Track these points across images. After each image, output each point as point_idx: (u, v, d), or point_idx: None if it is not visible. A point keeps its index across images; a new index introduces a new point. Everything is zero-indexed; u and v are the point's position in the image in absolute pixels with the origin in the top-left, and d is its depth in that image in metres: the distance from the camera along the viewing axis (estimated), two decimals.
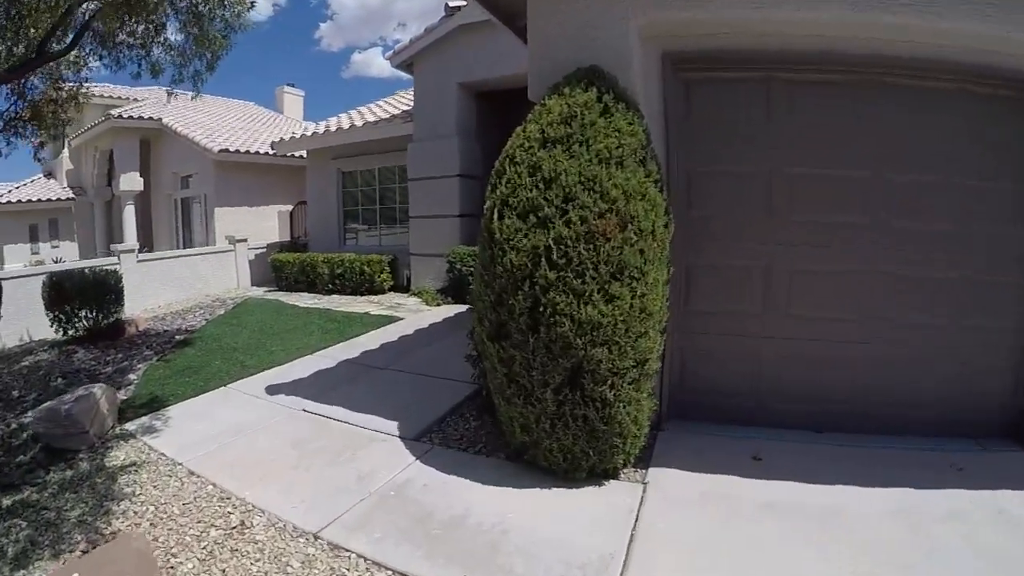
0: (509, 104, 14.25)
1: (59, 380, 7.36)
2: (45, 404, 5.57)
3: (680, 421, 4.98)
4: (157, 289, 12.65)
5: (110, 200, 20.57)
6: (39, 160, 8.61)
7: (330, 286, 12.75)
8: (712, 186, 4.80)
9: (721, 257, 4.82)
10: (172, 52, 6.70)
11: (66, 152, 22.27)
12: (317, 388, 6.42)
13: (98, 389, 5.73)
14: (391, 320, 9.74)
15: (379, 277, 12.12)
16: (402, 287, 12.54)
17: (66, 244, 22.20)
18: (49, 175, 23.91)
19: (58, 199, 22.08)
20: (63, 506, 4.35)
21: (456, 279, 10.85)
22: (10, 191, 21.64)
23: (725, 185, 4.79)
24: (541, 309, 3.55)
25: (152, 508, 4.21)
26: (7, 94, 8.78)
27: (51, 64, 7.73)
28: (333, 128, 13.79)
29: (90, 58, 7.21)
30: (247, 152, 16.82)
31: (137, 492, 4.47)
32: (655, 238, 3.63)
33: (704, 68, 4.75)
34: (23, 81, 8.57)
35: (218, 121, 19.89)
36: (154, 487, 4.54)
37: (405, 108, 13.44)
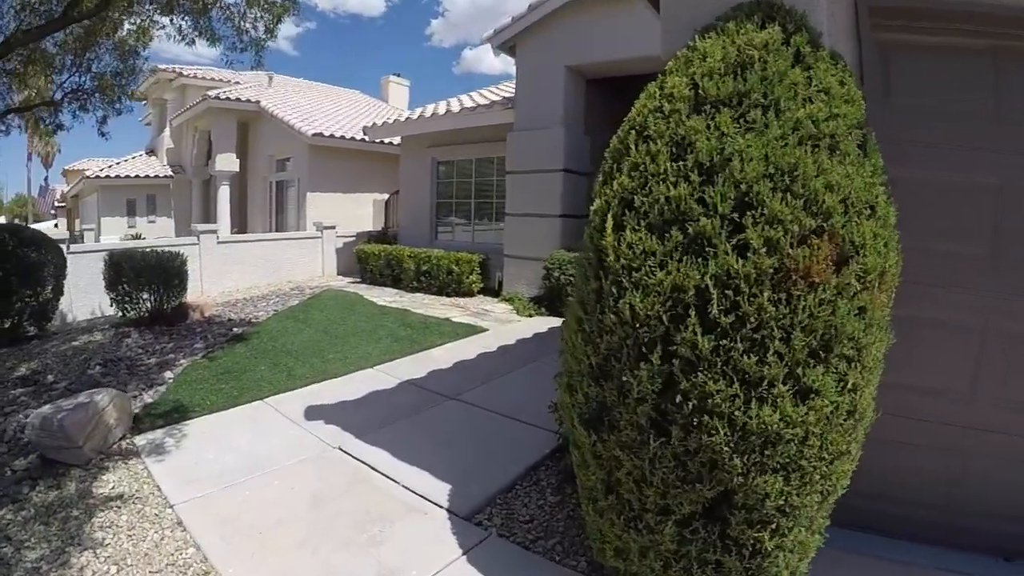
0: (625, 94, 12.78)
1: (97, 368, 6.60)
2: (42, 409, 4.65)
3: (837, 530, 3.31)
4: (238, 272, 12.08)
5: (208, 180, 20.65)
6: (103, 135, 8.04)
7: (415, 284, 11.68)
8: (910, 201, 2.93)
9: (917, 308, 3.03)
10: (229, 14, 5.70)
11: (167, 131, 22.78)
12: (364, 419, 5.21)
13: (105, 396, 4.76)
14: (473, 331, 8.48)
15: (468, 279, 10.93)
16: (492, 291, 11.29)
17: (162, 220, 22.68)
18: (151, 152, 24.53)
19: (157, 176, 22.47)
20: (27, 539, 3.55)
21: (553, 288, 9.47)
22: (110, 166, 22.16)
23: (928, 200, 3.03)
24: (678, 399, 2.07)
25: (114, 569, 3.21)
26: (70, 66, 8.29)
27: (117, 37, 7.17)
28: (428, 114, 12.73)
29: (149, 25, 6.39)
30: (342, 137, 16.11)
31: (108, 541, 3.49)
32: (883, 285, 2.09)
33: (909, 28, 3.03)
34: (86, 55, 8.06)
35: (317, 106, 19.51)
36: (129, 537, 3.53)
37: (507, 95, 12.15)
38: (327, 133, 15.83)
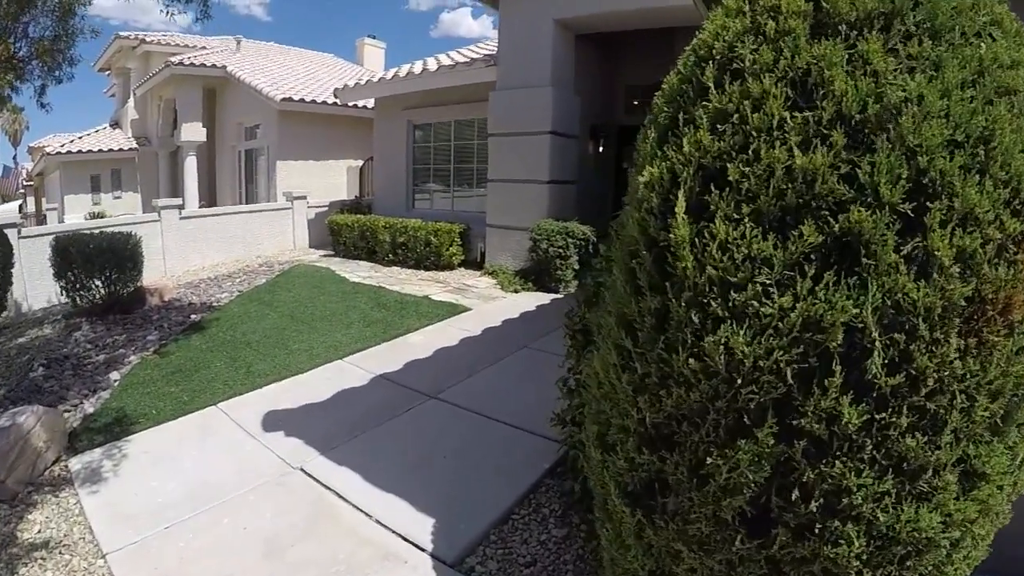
0: (617, 53, 11.97)
1: (40, 369, 5.79)
2: None
3: None
4: (202, 249, 11.16)
5: (175, 151, 19.43)
6: (42, 106, 7.04)
7: (391, 256, 10.84)
8: None
9: None
10: None
11: (132, 102, 21.33)
12: (331, 427, 4.45)
13: (30, 417, 3.97)
14: (455, 310, 7.72)
15: (448, 251, 10.10)
16: (474, 263, 10.47)
17: (129, 195, 21.20)
18: (115, 125, 22.99)
19: (121, 149, 20.90)
20: None
21: (540, 260, 8.72)
22: (72, 140, 20.62)
23: None
24: (794, 495, 1.33)
25: None
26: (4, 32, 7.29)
27: None
28: (403, 74, 11.69)
29: None
30: (312, 102, 15.00)
31: None
32: None
33: None
34: (21, 18, 7.15)
35: (288, 71, 18.21)
36: None
37: (489, 52, 11.20)
38: (297, 97, 14.70)
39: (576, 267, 8.61)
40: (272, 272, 10.20)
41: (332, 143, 16.08)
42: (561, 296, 8.60)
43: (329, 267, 10.56)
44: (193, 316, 7.38)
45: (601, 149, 10.97)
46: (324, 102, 15.12)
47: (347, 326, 7.01)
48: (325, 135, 15.82)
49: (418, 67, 11.52)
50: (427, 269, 10.31)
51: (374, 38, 23.66)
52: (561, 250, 8.41)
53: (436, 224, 10.21)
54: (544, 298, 8.44)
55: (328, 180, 15.94)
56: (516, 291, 8.78)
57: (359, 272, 10.19)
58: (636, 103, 11.60)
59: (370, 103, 13.95)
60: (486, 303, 8.19)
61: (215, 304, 8.06)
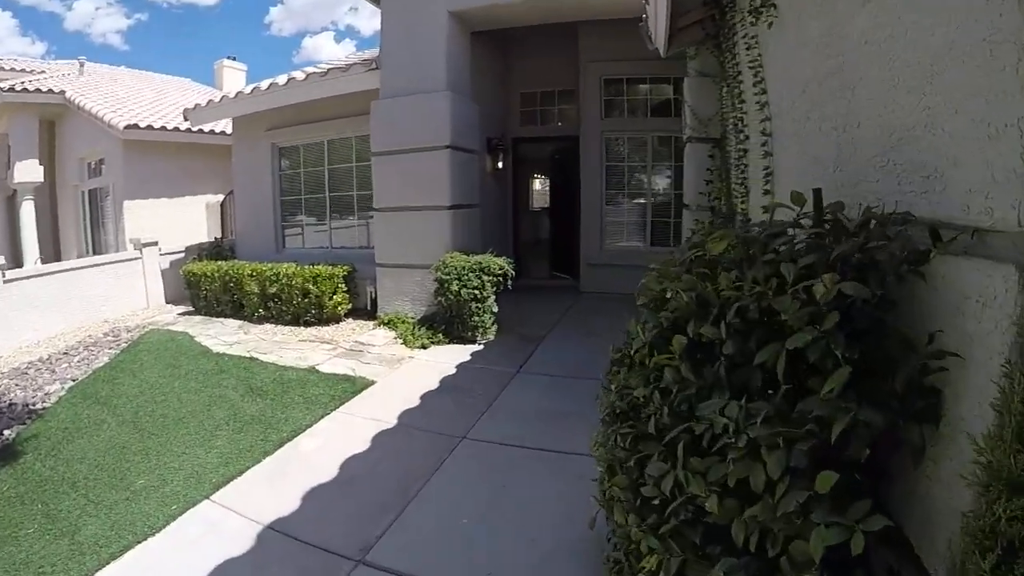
0: (512, 54, 10.29)
1: None
2: None
3: None
4: (35, 319, 8.31)
5: (12, 195, 15.69)
6: None
7: (262, 311, 8.49)
8: None
9: None
10: None
11: None
12: None
13: None
14: (354, 386, 5.64)
15: (331, 300, 7.91)
16: (364, 311, 8.38)
17: None
18: None
19: None
20: None
21: (450, 305, 6.78)
22: None
23: None
24: None
25: None
26: None
27: None
28: (264, 87, 9.56)
29: None
30: (162, 128, 12.29)
31: None
32: None
33: None
34: None
35: (137, 95, 15.31)
36: None
37: (368, 58, 9.22)
38: (143, 124, 11.95)
39: (495, 309, 6.77)
40: (118, 343, 7.67)
41: (188, 177, 13.30)
42: (481, 347, 6.70)
43: (188, 331, 8.09)
44: (6, 432, 4.89)
45: (499, 165, 9.28)
46: (176, 128, 12.54)
47: (212, 432, 4.74)
48: (180, 168, 13.08)
49: (282, 79, 9.38)
50: (308, 324, 8.08)
51: (234, 59, 21.03)
52: (476, 291, 6.51)
53: (314, 268, 8.01)
54: (461, 353, 6.50)
55: (185, 220, 13.21)
56: (424, 346, 6.77)
57: (224, 335, 7.83)
58: (532, 112, 10.01)
59: (226, 125, 11.64)
60: (392, 369, 6.14)
61: (38, 407, 5.50)
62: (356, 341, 7.19)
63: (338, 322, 8.12)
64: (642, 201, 9.20)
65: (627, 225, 9.31)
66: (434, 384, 5.65)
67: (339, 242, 9.32)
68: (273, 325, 8.29)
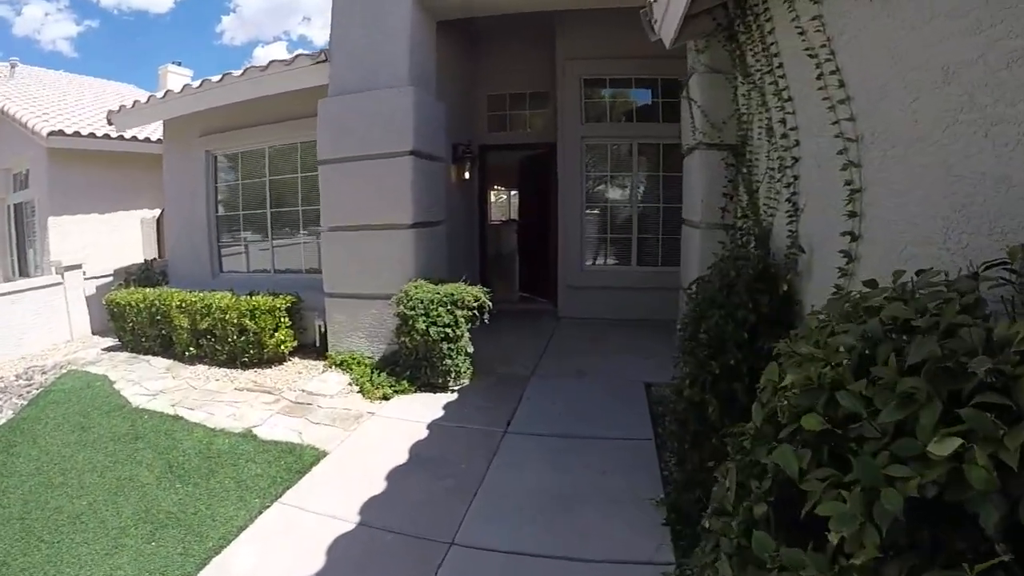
0: (481, 51, 8.93)
1: None
2: None
3: None
4: None
5: None
6: None
7: (193, 350, 6.96)
8: None
9: None
10: None
11: None
12: None
13: None
14: (301, 461, 4.30)
15: (271, 338, 6.44)
16: (312, 348, 6.93)
17: None
18: None
19: None
20: None
21: (416, 346, 5.43)
22: None
23: None
24: None
25: None
26: None
27: None
28: (196, 85, 8.08)
29: None
30: (91, 135, 10.47)
31: None
32: None
33: None
34: None
35: (71, 101, 13.52)
36: None
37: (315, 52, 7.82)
38: (70, 131, 10.18)
39: (470, 349, 5.48)
40: (30, 388, 6.25)
41: (123, 189, 11.50)
42: (455, 396, 5.40)
43: (108, 374, 6.61)
44: None
45: (466, 175, 8.02)
46: (107, 136, 10.89)
47: (115, 540, 3.38)
48: (114, 180, 11.31)
49: (217, 77, 7.91)
50: (247, 366, 6.58)
51: (179, 65, 19.26)
52: (448, 329, 5.21)
53: (251, 300, 6.52)
54: (432, 406, 5.16)
55: (119, 239, 11.50)
56: (386, 396, 5.41)
57: (149, 380, 6.34)
58: (501, 117, 8.79)
59: (155, 130, 10.08)
60: (347, 432, 4.77)
61: None
62: (303, 390, 5.79)
63: (282, 362, 6.70)
64: (627, 216, 8.04)
65: (611, 243, 8.14)
66: (402, 454, 4.32)
67: (284, 264, 7.89)
68: (207, 367, 6.81)
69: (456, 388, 5.47)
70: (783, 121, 3.89)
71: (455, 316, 5.17)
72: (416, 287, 5.44)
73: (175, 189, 8.80)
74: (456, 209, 7.75)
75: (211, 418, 5.26)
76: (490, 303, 5.37)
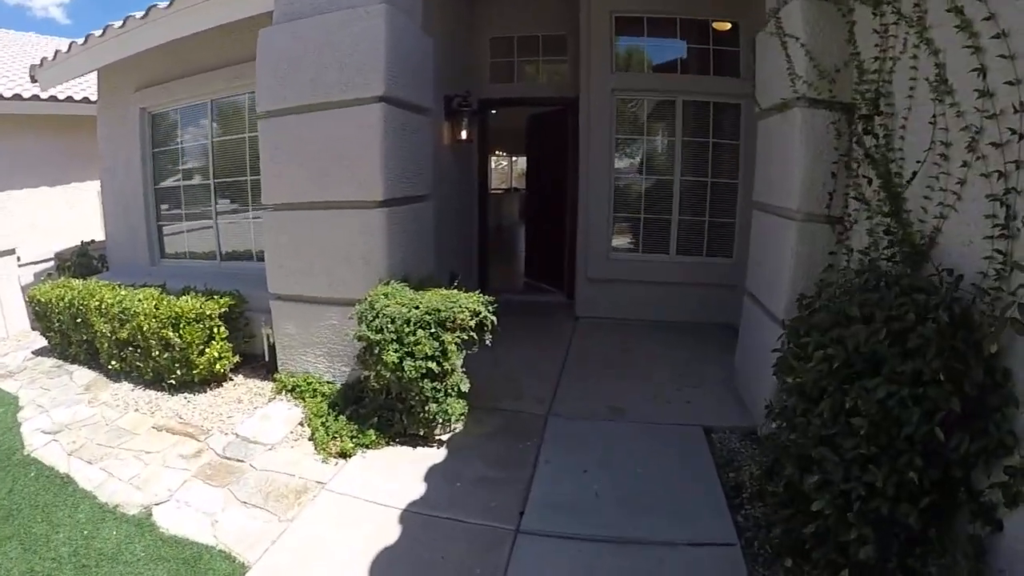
0: None
1: None
2: None
3: None
4: None
5: None
6: None
7: (115, 364, 4.99)
8: None
9: None
10: None
11: None
12: None
13: None
14: None
15: (201, 356, 4.46)
16: (262, 363, 4.95)
17: None
18: None
19: None
20: None
21: (387, 386, 3.45)
22: None
23: None
24: None
25: None
26: None
27: None
28: (118, 24, 6.00)
29: None
30: (34, 98, 8.13)
31: None
32: None
33: None
34: None
35: (17, 60, 11.37)
36: None
37: None
38: (9, 94, 8.17)
39: (465, 387, 3.61)
40: None
41: (78, 158, 9.27)
42: (443, 456, 3.51)
43: (20, 394, 4.89)
44: None
45: (463, 135, 6.00)
46: (53, 98, 8.85)
47: None
48: (67, 148, 9.20)
49: (143, 12, 5.85)
50: (176, 388, 4.61)
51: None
52: (432, 363, 3.24)
53: (177, 303, 4.51)
54: (411, 475, 3.25)
55: (77, 215, 9.59)
56: (345, 453, 3.47)
57: (59, 408, 4.52)
58: (507, 65, 6.81)
59: (87, 85, 8.06)
60: (283, 524, 2.92)
61: None
62: (237, 435, 3.90)
63: (221, 383, 4.77)
64: (667, 192, 6.07)
65: (645, 225, 6.21)
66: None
67: (233, 246, 5.95)
68: (132, 386, 4.87)
69: (445, 439, 3.62)
70: (980, 71, 2.02)
71: (443, 343, 3.26)
72: (387, 295, 3.53)
73: (110, 156, 6.76)
74: (449, 178, 5.80)
75: (108, 482, 3.43)
76: (494, 318, 3.50)
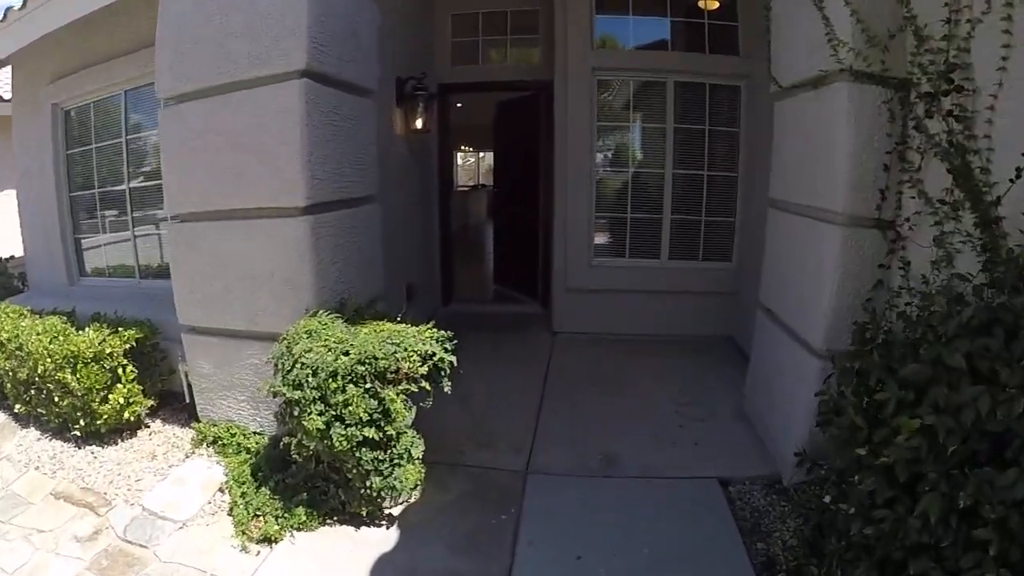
0: None
1: None
2: None
3: None
4: None
5: None
6: None
7: (20, 407, 3.91)
8: None
9: None
10: None
11: None
12: None
13: None
14: None
15: (103, 404, 3.46)
16: (181, 404, 3.81)
17: None
18: None
19: None
20: None
21: (315, 456, 2.42)
22: None
23: None
24: None
25: None
26: None
27: None
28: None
29: None
30: None
31: None
32: None
33: None
34: None
35: None
36: None
37: None
38: None
39: (418, 450, 2.71)
40: None
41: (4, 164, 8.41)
42: (393, 542, 2.54)
43: None
44: None
45: (419, 124, 4.86)
46: None
47: None
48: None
49: None
50: (83, 441, 3.63)
51: None
52: (371, 429, 2.29)
53: (75, 339, 3.53)
54: (352, 569, 2.37)
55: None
56: (270, 538, 2.54)
57: None
58: (471, 45, 5.88)
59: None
60: None
61: None
62: (144, 508, 2.99)
63: (134, 431, 3.79)
64: (657, 188, 5.17)
65: (632, 226, 5.29)
66: None
67: (151, 261, 4.95)
68: (39, 434, 3.84)
69: (396, 513, 2.73)
70: None
71: (383, 401, 2.36)
72: (311, 332, 2.60)
73: (25, 160, 5.75)
74: (404, 175, 4.87)
75: None
76: (453, 359, 2.61)
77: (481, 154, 18.21)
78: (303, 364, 2.43)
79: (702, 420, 3.74)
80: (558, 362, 4.74)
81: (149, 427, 3.91)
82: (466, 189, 15.80)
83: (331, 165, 3.02)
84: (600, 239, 5.35)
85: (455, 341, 2.63)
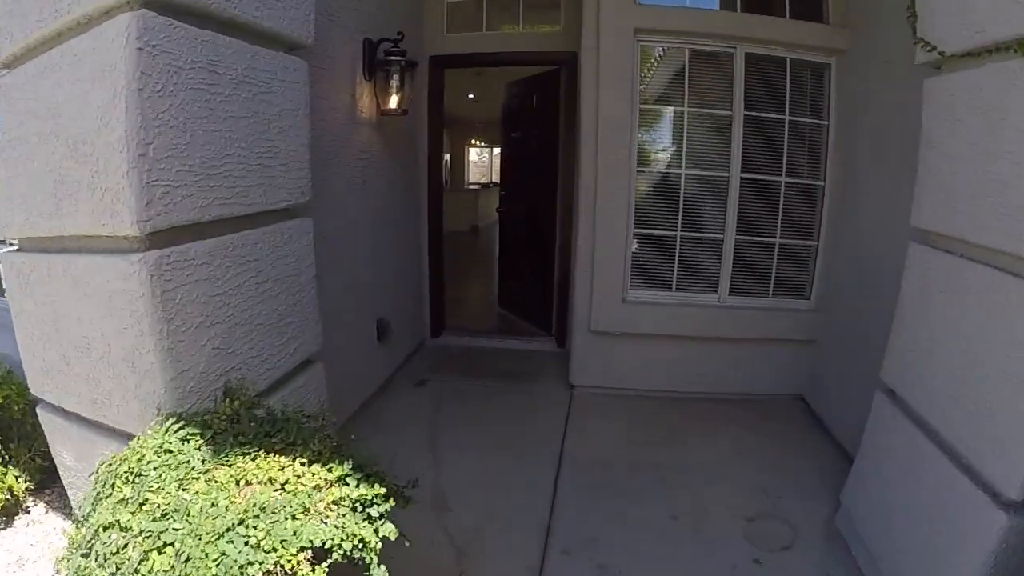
0: None
1: None
2: None
3: None
4: None
5: None
6: None
7: None
8: None
9: None
10: None
11: None
12: None
13: None
14: None
15: None
16: (46, 489, 2.46)
17: None
18: None
19: None
20: None
21: None
22: None
23: None
24: None
25: None
26: None
27: None
28: None
29: None
30: None
31: None
32: None
33: None
34: None
35: None
36: None
37: None
38: None
39: None
40: None
41: None
42: None
43: None
44: None
45: (393, 103, 3.55)
46: None
47: None
48: None
49: None
50: None
51: None
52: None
53: None
54: None
55: None
56: None
57: None
58: (473, 8, 4.58)
59: None
60: None
61: None
62: None
63: (11, 518, 2.71)
64: (718, 198, 3.88)
65: (682, 248, 4.02)
66: None
67: None
68: None
69: None
70: None
71: None
72: (132, 477, 1.39)
73: None
74: (375, 172, 3.69)
75: None
76: (391, 530, 1.43)
77: (481, 145, 16.45)
78: (99, 554, 1.26)
79: (787, 547, 2.53)
80: (576, 439, 3.49)
81: (29, 512, 2.83)
82: (466, 189, 14.45)
83: (203, 161, 1.82)
84: (639, 264, 4.09)
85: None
